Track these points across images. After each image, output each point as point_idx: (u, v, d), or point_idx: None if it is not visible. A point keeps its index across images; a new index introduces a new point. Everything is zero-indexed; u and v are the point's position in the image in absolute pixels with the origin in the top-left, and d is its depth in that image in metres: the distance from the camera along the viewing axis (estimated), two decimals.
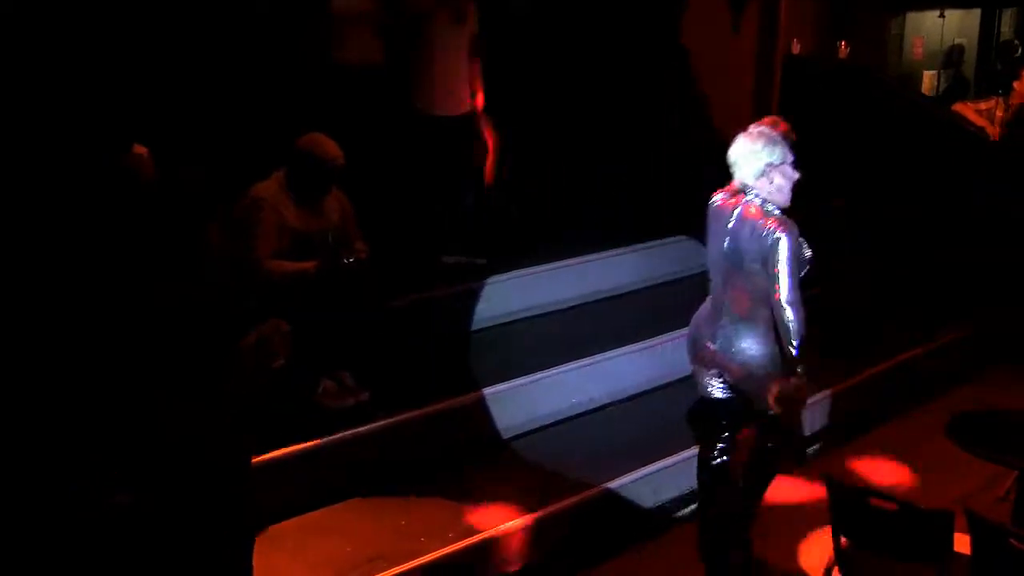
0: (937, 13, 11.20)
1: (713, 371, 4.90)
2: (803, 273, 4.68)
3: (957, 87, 11.31)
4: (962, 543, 4.30)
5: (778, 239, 4.58)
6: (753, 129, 4.79)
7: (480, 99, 7.41)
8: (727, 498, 4.95)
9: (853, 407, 7.33)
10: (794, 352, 4.55)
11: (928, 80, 11.19)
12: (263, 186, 5.88)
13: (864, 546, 4.56)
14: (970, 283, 8.57)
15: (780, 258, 4.57)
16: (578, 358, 6.67)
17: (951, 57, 11.47)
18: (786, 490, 6.10)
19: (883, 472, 6.71)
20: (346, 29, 7.18)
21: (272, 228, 5.77)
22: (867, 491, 4.50)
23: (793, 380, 4.55)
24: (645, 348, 7.02)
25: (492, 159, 7.50)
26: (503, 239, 7.59)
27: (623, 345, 6.92)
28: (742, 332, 4.78)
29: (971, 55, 11.80)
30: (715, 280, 4.91)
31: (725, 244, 4.78)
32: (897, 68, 10.78)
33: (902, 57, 10.92)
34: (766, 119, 4.88)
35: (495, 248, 7.41)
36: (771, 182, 4.72)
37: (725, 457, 4.91)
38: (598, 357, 6.77)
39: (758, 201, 4.73)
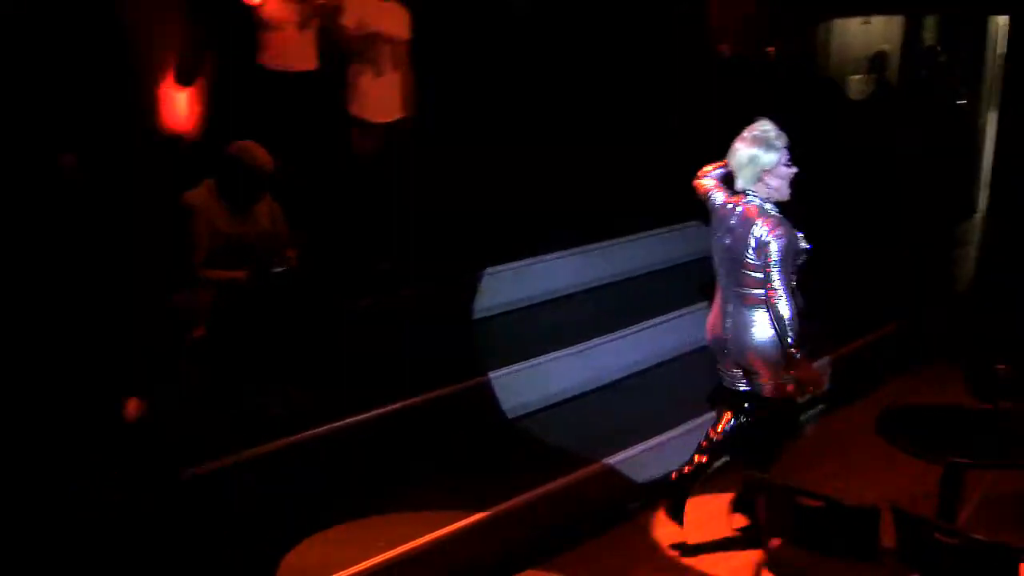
0: (861, 20, 11.41)
1: (731, 361, 5.52)
2: (800, 262, 5.25)
3: (881, 92, 11.53)
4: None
5: (770, 240, 5.13)
6: (747, 135, 5.29)
7: (411, 107, 7.50)
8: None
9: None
10: (790, 342, 5.09)
11: (855, 84, 11.40)
12: (194, 193, 5.91)
13: (794, 543, 4.66)
14: (899, 281, 8.78)
15: (772, 258, 5.12)
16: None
17: (875, 63, 11.68)
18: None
19: (814, 469, 6.85)
20: (278, 35, 7.21)
21: (204, 235, 5.80)
22: (795, 489, 4.59)
23: (807, 367, 5.17)
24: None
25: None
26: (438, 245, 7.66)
27: None
28: (749, 319, 5.33)
29: (894, 61, 12.03)
30: (720, 272, 5.45)
31: (727, 241, 5.33)
32: (824, 73, 10.98)
33: (829, 62, 11.12)
34: (756, 123, 5.33)
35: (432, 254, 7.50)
36: (768, 185, 5.25)
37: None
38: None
39: (757, 201, 5.28)
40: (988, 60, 12.87)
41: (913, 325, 8.78)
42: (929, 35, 12.46)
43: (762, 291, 5.20)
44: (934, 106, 10.68)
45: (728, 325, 5.43)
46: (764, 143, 5.24)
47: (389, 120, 7.53)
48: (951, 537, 4.25)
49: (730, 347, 5.46)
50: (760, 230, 5.16)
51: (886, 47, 11.98)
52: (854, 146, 9.67)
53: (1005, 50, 12.43)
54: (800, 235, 5.22)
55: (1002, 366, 6.67)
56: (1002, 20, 12.57)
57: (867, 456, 6.83)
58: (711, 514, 5.90)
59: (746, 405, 5.60)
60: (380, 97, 7.46)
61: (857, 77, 11.40)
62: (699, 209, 5.70)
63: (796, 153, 5.33)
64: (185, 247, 5.76)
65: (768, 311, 5.20)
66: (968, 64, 12.68)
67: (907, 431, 5.41)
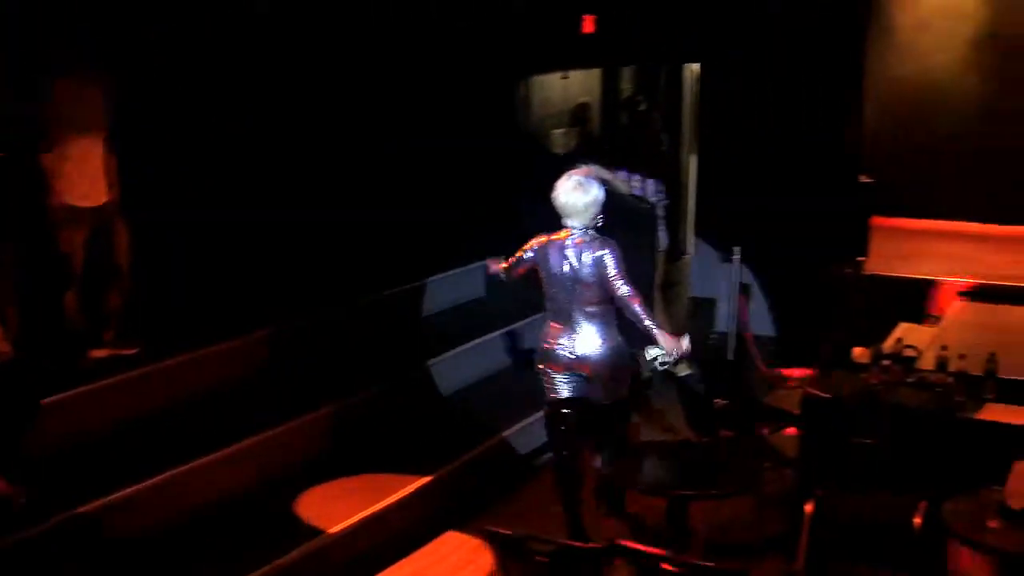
0: (560, 75, 11.84)
1: (566, 375, 6.48)
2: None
3: (585, 143, 11.98)
4: None
5: (604, 254, 6.28)
6: (580, 182, 6.39)
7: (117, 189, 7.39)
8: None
9: (502, 462, 7.71)
10: (649, 324, 6.20)
11: (557, 138, 11.80)
12: None
13: None
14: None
15: (611, 265, 6.25)
16: None
17: (577, 116, 12.14)
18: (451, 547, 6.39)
19: (546, 514, 7.04)
20: None
21: None
22: (527, 536, 4.73)
23: (669, 337, 6.26)
24: None
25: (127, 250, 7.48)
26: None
27: None
28: (597, 332, 6.40)
29: (596, 112, 12.53)
30: (560, 299, 6.45)
31: (567, 270, 6.36)
32: (527, 128, 11.32)
33: (531, 119, 11.47)
34: (582, 169, 6.59)
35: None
36: (594, 217, 6.38)
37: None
38: None
39: (581, 230, 6.37)
40: (685, 106, 13.58)
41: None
42: (627, 85, 13.04)
43: (602, 306, 6.34)
44: (637, 154, 11.18)
45: (576, 341, 6.40)
46: (596, 185, 6.41)
47: (96, 204, 7.35)
48: (677, 567, 4.46)
49: (578, 360, 6.42)
50: (595, 250, 6.29)
51: (587, 99, 12.47)
52: None
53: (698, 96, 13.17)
54: None
55: (719, 400, 7.06)
56: (695, 67, 13.31)
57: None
58: None
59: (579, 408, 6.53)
60: (82, 181, 7.27)
61: (559, 131, 11.81)
62: None
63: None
64: None
65: (612, 321, 6.39)
66: (667, 111, 13.36)
67: (633, 469, 5.63)
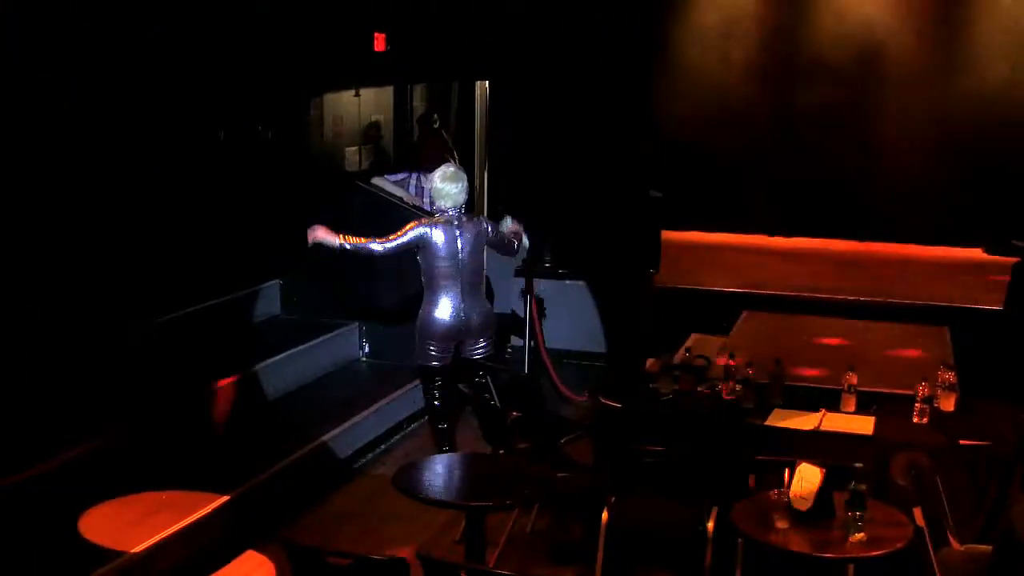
0: (353, 92, 11.81)
1: (476, 338, 7.62)
2: None
3: (378, 160, 11.98)
4: None
5: (483, 225, 7.67)
6: (450, 173, 7.56)
7: None
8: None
9: (303, 476, 7.59)
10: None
11: (351, 156, 11.75)
12: None
13: None
14: None
15: (491, 228, 7.70)
16: None
17: (369, 133, 12.13)
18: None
19: (340, 533, 7.00)
20: None
21: None
22: (323, 551, 4.70)
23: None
24: None
25: None
26: None
27: None
28: (483, 301, 7.71)
29: (388, 130, 12.54)
30: (455, 276, 7.49)
31: (460, 247, 7.48)
32: (320, 147, 11.23)
33: (324, 137, 11.39)
34: (445, 166, 7.72)
35: None
36: (465, 202, 7.58)
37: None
38: None
39: (456, 212, 7.52)
40: (476, 123, 13.73)
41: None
42: (419, 103, 13.10)
43: (480, 275, 7.62)
44: (428, 170, 11.24)
45: (472, 310, 7.55)
46: (463, 174, 7.62)
47: None
48: None
49: (474, 326, 7.57)
50: (477, 224, 7.61)
51: (379, 117, 12.47)
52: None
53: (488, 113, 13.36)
54: None
55: (515, 412, 7.13)
56: (486, 85, 13.47)
57: (394, 512, 7.09)
58: None
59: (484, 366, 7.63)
60: None
61: (352, 148, 11.77)
62: None
63: None
64: None
65: (484, 288, 7.73)
66: (459, 128, 13.47)
67: (424, 484, 5.63)
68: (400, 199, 10.05)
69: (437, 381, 7.71)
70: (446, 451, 7.66)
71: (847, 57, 13.04)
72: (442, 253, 7.48)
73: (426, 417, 8.22)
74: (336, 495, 7.74)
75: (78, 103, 8.15)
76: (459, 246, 7.49)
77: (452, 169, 7.67)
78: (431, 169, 7.92)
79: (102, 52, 8.29)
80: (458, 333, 7.60)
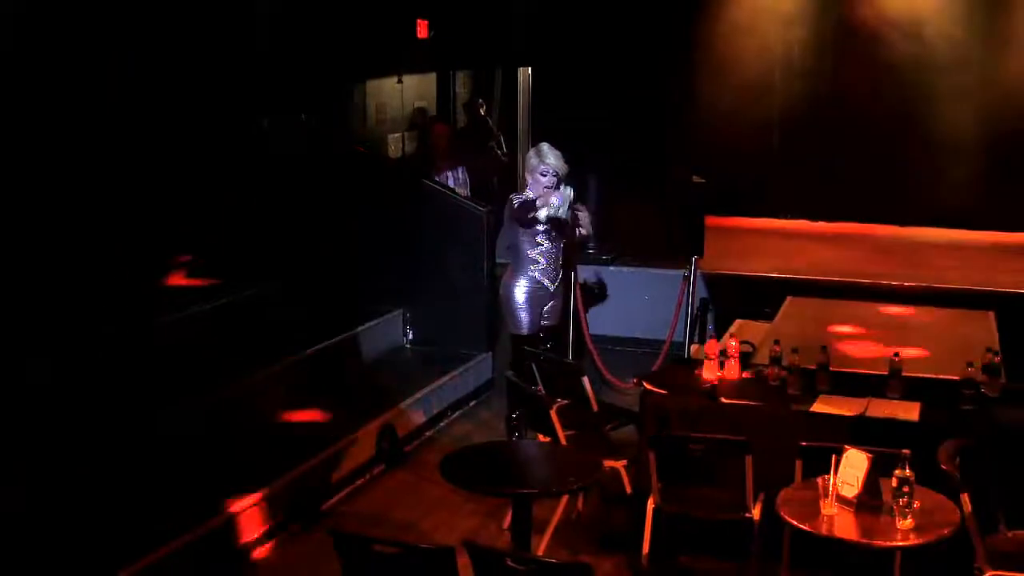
0: (395, 79, 11.84)
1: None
2: None
3: (423, 148, 12.01)
4: None
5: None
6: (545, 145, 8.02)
7: None
8: None
9: (353, 458, 7.62)
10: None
11: (393, 144, 11.80)
12: None
13: None
14: None
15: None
16: None
17: (414, 121, 12.16)
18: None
19: (390, 518, 7.07)
20: None
21: None
22: (370, 538, 4.73)
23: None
24: None
25: None
26: None
27: None
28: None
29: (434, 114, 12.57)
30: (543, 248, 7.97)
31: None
32: (362, 135, 11.27)
33: (367, 124, 11.43)
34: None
35: None
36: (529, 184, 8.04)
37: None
38: None
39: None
40: (520, 110, 13.74)
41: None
42: (462, 90, 13.13)
43: None
44: (480, 157, 11.32)
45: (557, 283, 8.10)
46: (537, 151, 7.96)
47: None
48: (522, 564, 4.51)
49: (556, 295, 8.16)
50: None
51: (423, 104, 12.50)
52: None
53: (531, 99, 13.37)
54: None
55: (560, 400, 7.13)
56: (528, 71, 13.48)
57: (440, 501, 7.13)
58: None
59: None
60: None
61: (395, 135, 11.82)
62: None
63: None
64: None
65: None
66: (502, 115, 13.49)
67: (471, 471, 5.65)
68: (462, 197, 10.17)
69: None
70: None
71: (889, 39, 12.93)
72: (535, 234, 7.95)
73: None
74: (383, 481, 7.80)
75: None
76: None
77: (546, 145, 8.01)
78: (477, 156, 8.06)
79: (148, 39, 8.35)
80: (542, 300, 8.04)
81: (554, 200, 7.85)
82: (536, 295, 8.01)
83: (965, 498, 5.24)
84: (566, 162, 7.99)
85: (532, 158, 8.01)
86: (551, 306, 8.14)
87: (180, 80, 8.70)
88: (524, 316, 8.02)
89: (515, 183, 11.71)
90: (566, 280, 8.47)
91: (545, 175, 7.89)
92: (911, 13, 12.86)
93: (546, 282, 8.03)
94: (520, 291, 8.00)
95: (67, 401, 6.64)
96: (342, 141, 10.49)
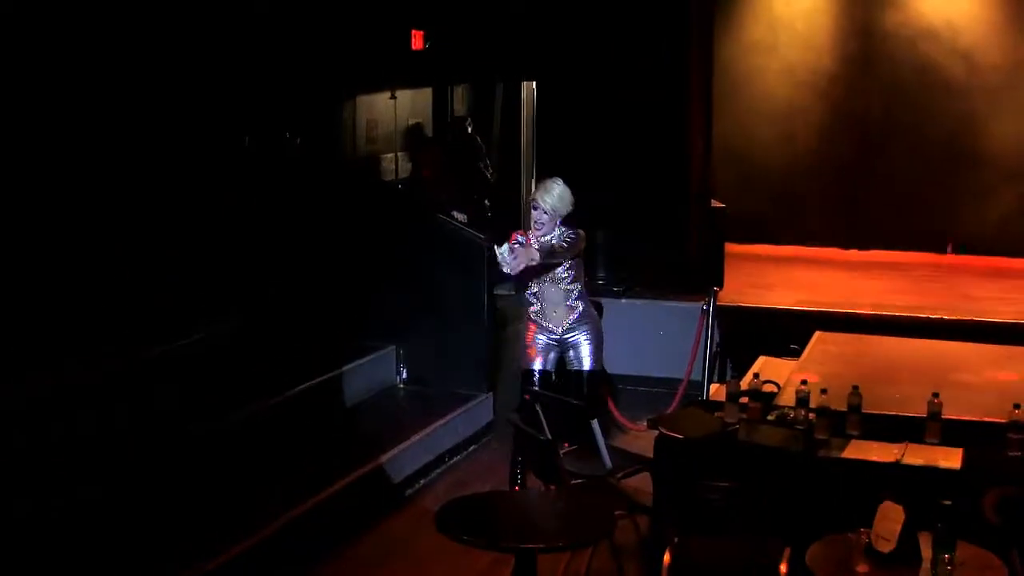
0: (388, 95, 11.86)
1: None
2: None
3: (417, 172, 12.02)
4: None
5: None
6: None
7: None
8: None
9: (338, 512, 7.60)
10: None
11: (387, 164, 11.80)
12: None
13: None
14: None
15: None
16: None
17: (409, 139, 12.16)
18: None
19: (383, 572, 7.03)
20: None
21: None
22: None
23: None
24: None
25: None
26: None
27: None
28: None
29: (427, 135, 12.58)
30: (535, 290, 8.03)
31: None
32: (352, 155, 11.27)
33: (357, 143, 11.43)
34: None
35: None
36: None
37: None
38: None
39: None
40: (523, 127, 13.76)
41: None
42: (459, 106, 13.15)
43: None
44: (467, 179, 11.34)
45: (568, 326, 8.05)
46: (542, 185, 7.97)
47: None
48: None
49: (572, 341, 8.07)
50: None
51: (418, 121, 12.51)
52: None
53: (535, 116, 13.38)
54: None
55: (567, 444, 7.11)
56: (532, 85, 13.50)
57: (436, 553, 7.09)
58: None
59: None
60: None
61: (388, 156, 11.82)
62: None
63: None
64: None
65: None
66: (503, 132, 13.51)
67: (469, 523, 5.61)
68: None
69: None
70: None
71: (925, 53, 13.00)
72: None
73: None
74: (375, 532, 7.77)
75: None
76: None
77: (554, 180, 8.01)
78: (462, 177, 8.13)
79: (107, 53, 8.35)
80: (548, 343, 8.14)
81: (504, 253, 7.79)
82: (538, 333, 8.06)
83: (1014, 555, 5.21)
84: (570, 203, 7.95)
85: (534, 190, 8.11)
86: (573, 353, 8.11)
87: (149, 93, 8.69)
88: (526, 349, 8.08)
89: (511, 207, 11.77)
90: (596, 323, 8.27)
91: (536, 209, 7.95)
92: (948, 26, 12.92)
93: (544, 323, 8.05)
94: (527, 324, 8.10)
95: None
96: (330, 161, 10.49)
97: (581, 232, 7.91)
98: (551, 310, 8.00)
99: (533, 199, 7.95)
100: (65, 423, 7.16)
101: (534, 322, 8.07)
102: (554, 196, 7.88)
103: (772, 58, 13.63)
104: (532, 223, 7.96)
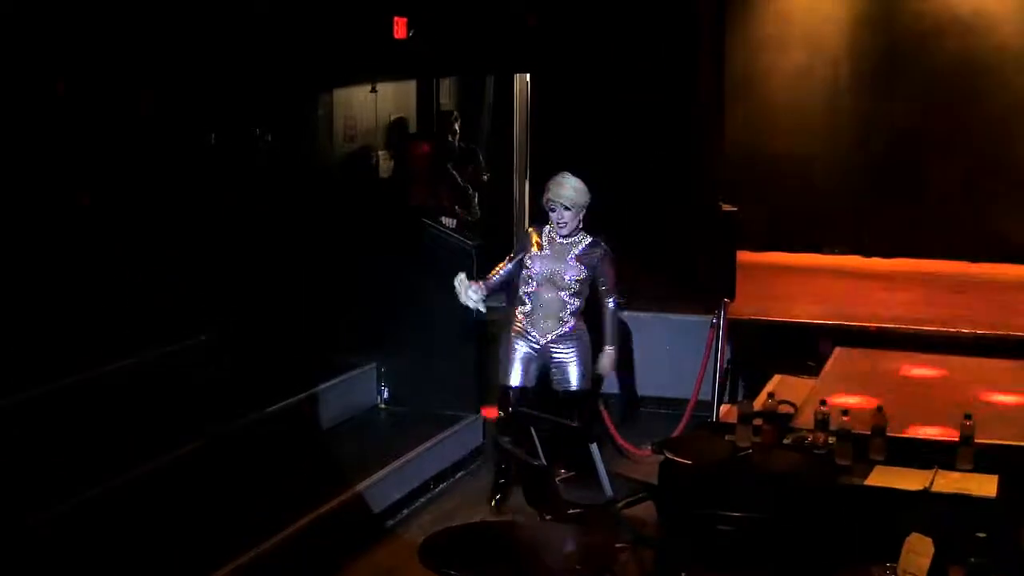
0: (368, 87, 11.83)
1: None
2: None
3: (400, 166, 11.99)
4: None
5: None
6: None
7: None
8: None
9: (313, 546, 7.57)
10: None
11: (367, 163, 11.76)
12: None
13: None
14: None
15: None
16: None
17: (392, 135, 12.13)
18: None
19: None
20: None
21: None
22: None
23: None
24: None
25: None
26: None
27: None
28: None
29: (414, 129, 12.56)
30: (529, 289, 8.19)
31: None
32: (330, 152, 11.23)
33: (333, 140, 11.39)
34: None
35: None
36: None
37: None
38: None
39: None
40: (516, 123, 13.74)
41: None
42: (446, 99, 13.13)
43: None
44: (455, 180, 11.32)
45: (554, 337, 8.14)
46: (553, 183, 8.12)
47: None
48: None
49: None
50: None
51: (402, 115, 12.48)
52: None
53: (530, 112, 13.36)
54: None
55: (563, 471, 7.11)
56: (526, 78, 13.49)
57: None
58: None
59: None
60: None
61: (369, 154, 11.79)
62: None
63: None
64: None
65: None
66: (494, 128, 13.49)
67: (456, 556, 5.59)
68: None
69: None
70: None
71: (948, 49, 13.04)
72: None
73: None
74: (356, 564, 7.74)
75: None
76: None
77: (564, 174, 8.18)
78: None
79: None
80: (530, 352, 8.28)
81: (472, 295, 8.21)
82: (517, 339, 8.16)
83: None
84: (587, 193, 8.15)
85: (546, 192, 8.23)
86: (557, 372, 8.17)
87: (113, 89, 8.70)
88: (507, 361, 8.17)
89: (505, 207, 11.75)
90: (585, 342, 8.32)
91: (554, 211, 8.10)
92: (979, 17, 12.95)
93: (529, 328, 8.12)
94: (511, 329, 8.21)
95: None
96: (304, 161, 10.47)
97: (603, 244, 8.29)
98: (541, 317, 8.02)
99: (547, 200, 8.09)
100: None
101: (519, 328, 8.13)
102: (571, 190, 8.05)
103: (781, 55, 13.65)
104: (553, 224, 8.13)
